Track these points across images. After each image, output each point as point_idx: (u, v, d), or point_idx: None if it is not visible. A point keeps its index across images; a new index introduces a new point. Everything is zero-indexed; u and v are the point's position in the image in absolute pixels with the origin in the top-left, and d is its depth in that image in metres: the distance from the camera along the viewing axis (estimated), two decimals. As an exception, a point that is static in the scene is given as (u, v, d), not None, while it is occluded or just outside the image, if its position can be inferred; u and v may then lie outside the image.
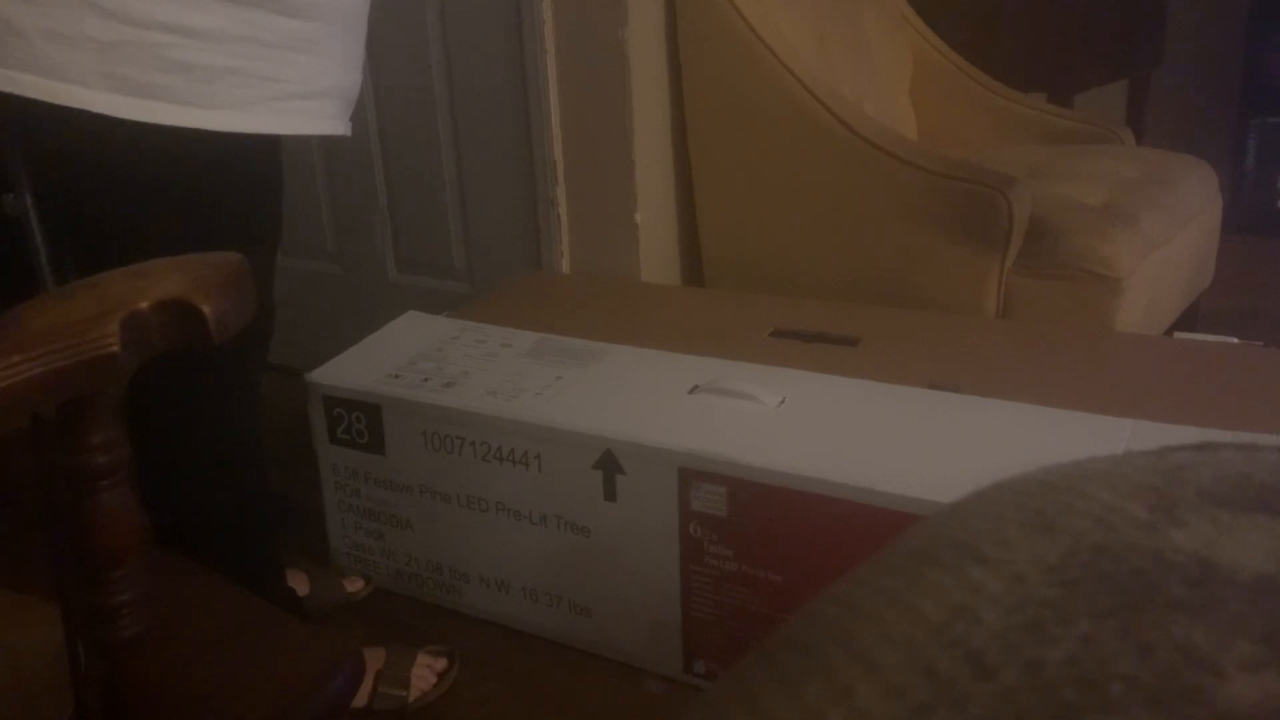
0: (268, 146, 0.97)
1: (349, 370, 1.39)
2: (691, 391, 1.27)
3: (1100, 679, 0.17)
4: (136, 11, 0.83)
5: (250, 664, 0.67)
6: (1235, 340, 1.58)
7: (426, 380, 1.35)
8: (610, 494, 1.21)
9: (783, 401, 1.24)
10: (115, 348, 0.50)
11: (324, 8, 0.93)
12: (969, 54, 2.22)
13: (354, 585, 1.42)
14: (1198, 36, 2.85)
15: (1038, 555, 0.21)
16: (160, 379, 0.93)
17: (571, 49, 1.70)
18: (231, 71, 0.89)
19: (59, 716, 0.60)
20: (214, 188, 0.94)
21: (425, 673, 1.23)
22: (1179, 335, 1.78)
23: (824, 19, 1.95)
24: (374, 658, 1.22)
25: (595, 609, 1.28)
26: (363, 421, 1.35)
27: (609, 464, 1.20)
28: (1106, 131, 2.11)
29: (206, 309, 0.53)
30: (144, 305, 0.52)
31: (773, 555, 1.14)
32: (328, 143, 1.96)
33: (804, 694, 0.19)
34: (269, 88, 0.91)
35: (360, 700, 1.19)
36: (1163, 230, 1.71)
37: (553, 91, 1.73)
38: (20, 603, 0.68)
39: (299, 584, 1.34)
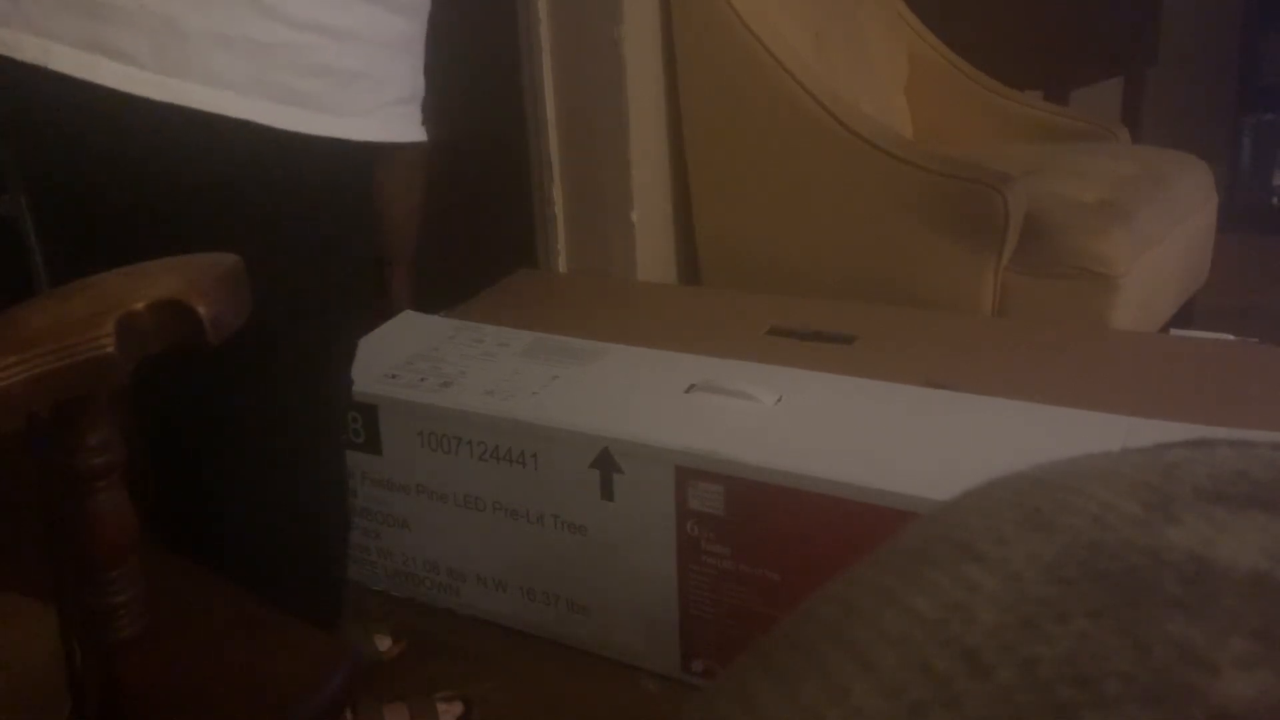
0: (366, 153, 0.88)
1: (345, 370, 1.39)
2: (688, 390, 1.27)
3: (1096, 676, 0.17)
4: (295, 11, 0.77)
5: (247, 664, 0.67)
6: (1231, 337, 1.58)
7: (423, 380, 1.35)
8: (607, 493, 1.21)
9: (779, 400, 1.24)
10: (110, 348, 0.50)
11: (419, 6, 0.88)
12: (965, 52, 2.22)
13: (384, 644, 1.34)
14: (1193, 34, 2.85)
15: (1034, 553, 0.21)
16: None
17: (568, 48, 1.70)
18: (360, 75, 0.83)
19: (56, 717, 0.60)
20: (291, 201, 0.86)
21: None
22: (1175, 332, 1.79)
23: (820, 17, 1.95)
24: (397, 715, 1.18)
25: (592, 608, 1.28)
26: (359, 421, 1.35)
27: (606, 463, 1.20)
28: (1102, 129, 2.11)
29: (202, 309, 0.53)
30: (139, 306, 0.52)
31: (770, 554, 1.14)
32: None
33: (801, 693, 0.19)
34: (386, 92, 0.85)
35: None
36: (1158, 228, 1.71)
37: (549, 90, 1.73)
38: (17, 603, 0.68)
39: None
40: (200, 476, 0.92)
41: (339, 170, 0.87)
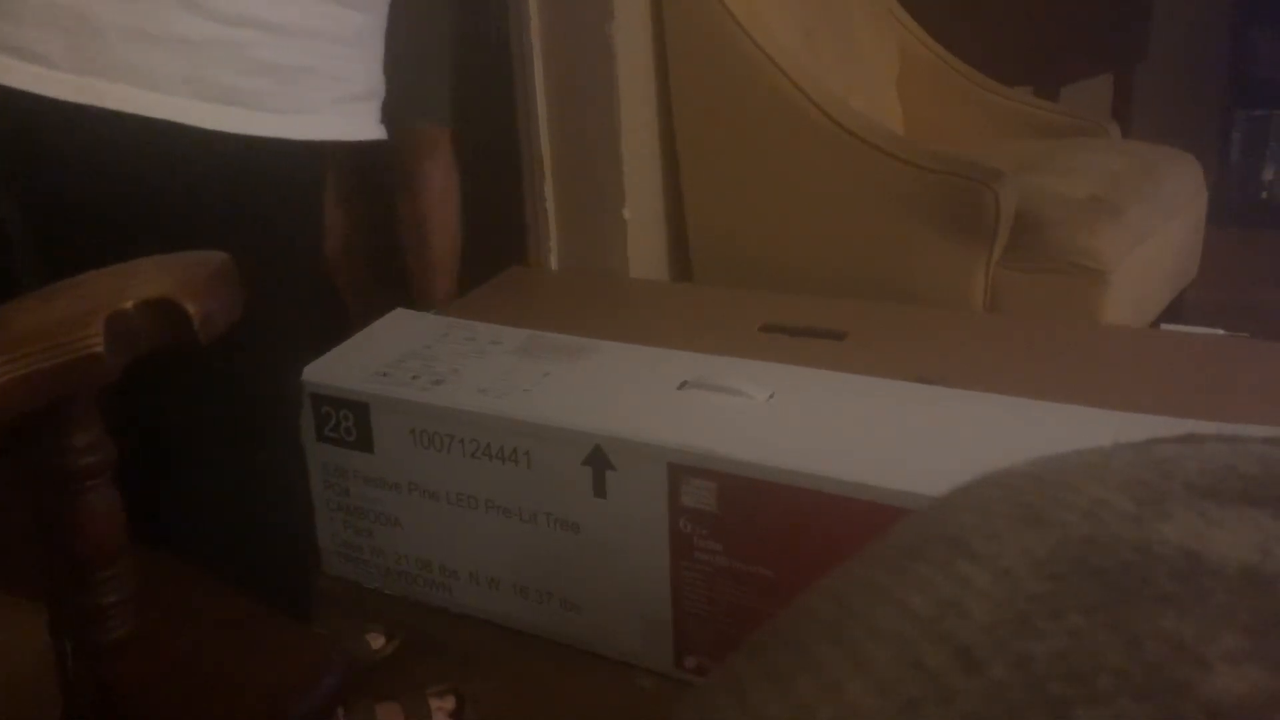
0: (313, 152, 0.87)
1: (336, 368, 1.39)
2: (680, 387, 1.27)
3: (1088, 672, 0.17)
4: (227, 7, 0.75)
5: (240, 663, 0.67)
6: (1221, 332, 1.58)
7: (415, 378, 1.34)
8: (600, 490, 1.21)
9: (772, 396, 1.24)
10: (99, 348, 0.50)
11: (375, 1, 0.87)
12: (955, 48, 2.22)
13: (376, 641, 1.34)
14: (1183, 29, 2.86)
15: (1026, 549, 0.21)
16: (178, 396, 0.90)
17: (558, 45, 1.70)
18: (307, 71, 0.81)
19: (48, 719, 0.60)
20: (258, 198, 0.85)
21: (443, 717, 1.19)
22: (1165, 327, 1.79)
23: (810, 13, 1.95)
24: (391, 715, 1.17)
25: (585, 605, 1.28)
26: (350, 419, 1.35)
27: (598, 460, 1.20)
28: (1092, 125, 2.11)
29: (192, 308, 0.53)
30: (128, 305, 0.52)
31: (763, 550, 1.14)
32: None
33: (794, 690, 0.19)
34: (337, 88, 0.84)
35: None
36: (1148, 223, 1.72)
37: (540, 87, 1.73)
38: (7, 605, 0.68)
39: None
40: (161, 468, 0.92)
41: (293, 169, 0.86)
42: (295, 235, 0.90)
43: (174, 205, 0.81)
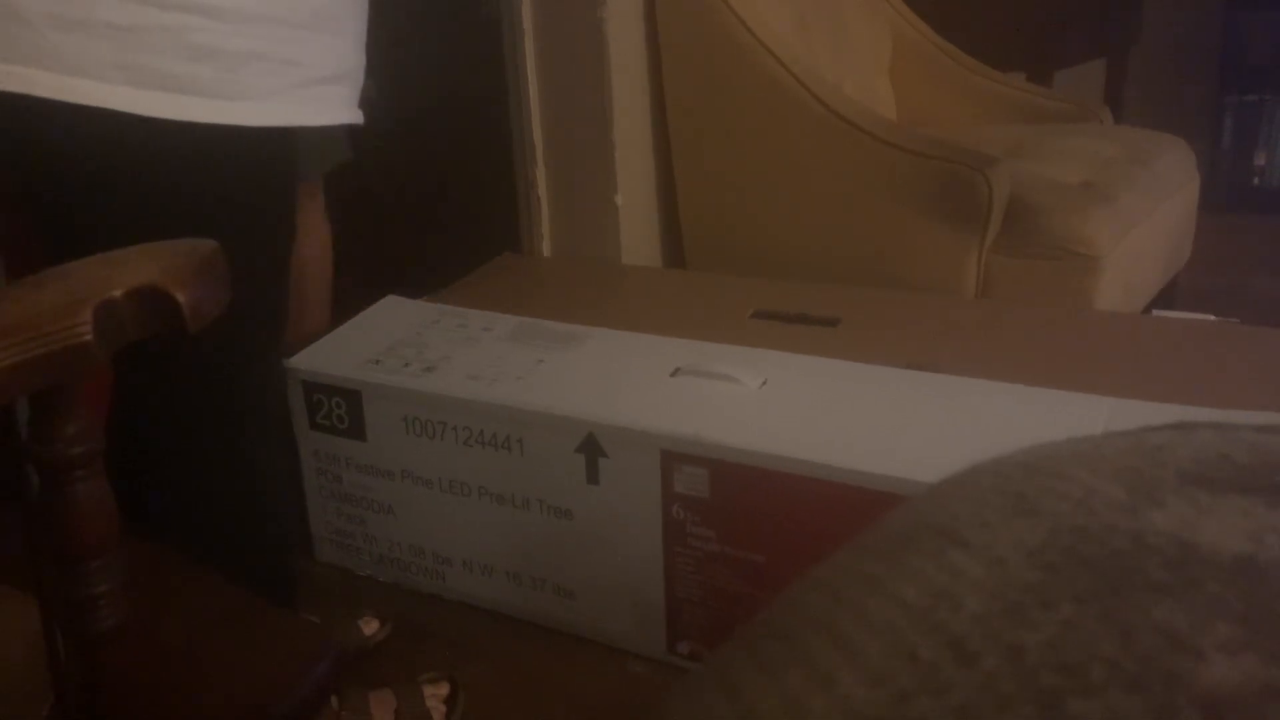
0: (278, 137, 0.86)
1: (328, 356, 1.38)
2: (673, 374, 1.27)
3: (1081, 663, 0.17)
4: None
5: (231, 653, 0.67)
6: (1213, 318, 1.59)
7: (407, 365, 1.34)
8: (593, 477, 1.21)
9: (764, 383, 1.24)
10: (88, 337, 0.50)
11: None
12: (948, 34, 2.21)
13: (369, 626, 1.33)
14: (1175, 14, 2.85)
15: (1018, 539, 0.21)
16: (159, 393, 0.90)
17: (550, 30, 1.69)
18: (255, 56, 0.79)
19: (39, 709, 0.60)
20: (219, 186, 0.84)
21: (436, 704, 1.19)
22: (1157, 313, 1.79)
23: (803, -1, 1.94)
24: (383, 703, 1.16)
25: (579, 592, 1.28)
26: (343, 407, 1.34)
27: (591, 447, 1.20)
28: (1085, 110, 2.11)
29: (181, 297, 0.53)
30: (117, 293, 0.52)
31: (755, 536, 1.14)
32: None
33: (785, 682, 0.19)
34: (292, 73, 0.82)
35: None
36: (1141, 208, 1.72)
37: (531, 73, 1.72)
38: (-3, 595, 0.68)
39: None
40: (140, 455, 0.91)
41: (258, 154, 0.84)
42: (264, 220, 0.89)
43: (138, 192, 0.81)
